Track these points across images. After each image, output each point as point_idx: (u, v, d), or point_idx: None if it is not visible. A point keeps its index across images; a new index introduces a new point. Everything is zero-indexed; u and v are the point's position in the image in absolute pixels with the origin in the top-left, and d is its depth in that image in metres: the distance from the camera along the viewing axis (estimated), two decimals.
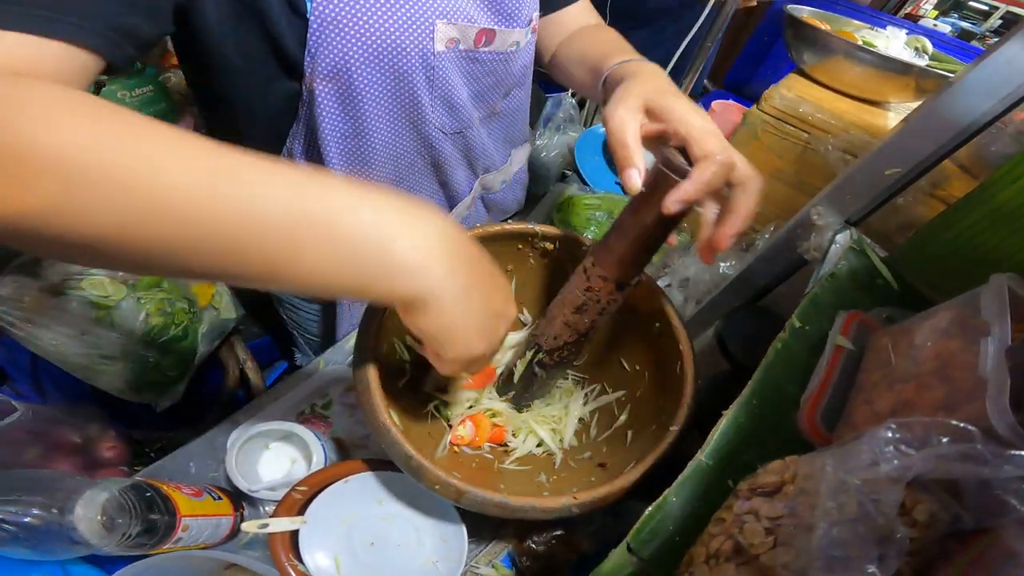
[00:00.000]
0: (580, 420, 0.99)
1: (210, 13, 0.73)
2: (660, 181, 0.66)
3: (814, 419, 0.66)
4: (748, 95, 1.40)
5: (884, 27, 1.51)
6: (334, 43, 0.78)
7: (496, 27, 0.92)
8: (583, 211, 1.48)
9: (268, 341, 1.94)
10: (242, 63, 0.81)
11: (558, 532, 0.88)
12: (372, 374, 0.74)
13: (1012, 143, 0.86)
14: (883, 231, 0.88)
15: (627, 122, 0.72)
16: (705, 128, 0.69)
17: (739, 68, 2.99)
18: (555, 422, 0.99)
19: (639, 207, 0.70)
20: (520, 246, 0.96)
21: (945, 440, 0.40)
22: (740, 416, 0.67)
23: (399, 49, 0.82)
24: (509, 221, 0.93)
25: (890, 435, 0.41)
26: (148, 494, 0.73)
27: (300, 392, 1.09)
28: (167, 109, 1.82)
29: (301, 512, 0.82)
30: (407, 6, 0.80)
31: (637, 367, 0.95)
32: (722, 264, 1.22)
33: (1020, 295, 0.56)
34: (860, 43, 1.27)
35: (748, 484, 0.55)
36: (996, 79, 0.66)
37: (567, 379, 1.04)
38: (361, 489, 0.87)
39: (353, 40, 0.78)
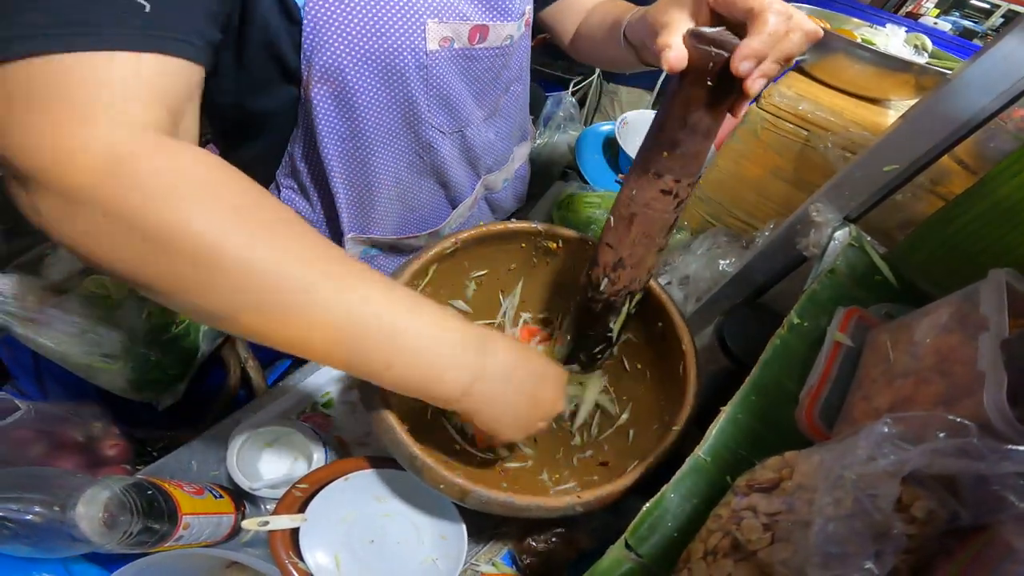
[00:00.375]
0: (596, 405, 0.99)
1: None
2: (705, 60, 0.59)
3: (812, 415, 0.66)
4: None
5: (884, 25, 1.50)
6: (327, 45, 0.78)
7: (489, 22, 0.90)
8: (583, 209, 1.48)
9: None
10: (241, 69, 0.82)
11: (558, 530, 0.88)
12: None
13: (1012, 140, 0.86)
14: (883, 228, 0.88)
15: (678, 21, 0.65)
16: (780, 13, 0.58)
17: None
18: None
19: (687, 91, 0.62)
20: (523, 245, 0.96)
21: (942, 435, 0.40)
22: (738, 412, 0.67)
23: (391, 50, 0.82)
24: (512, 220, 0.93)
25: (886, 430, 0.41)
26: (149, 492, 0.73)
27: (301, 390, 1.09)
28: None
29: (301, 510, 0.82)
30: (398, 6, 0.79)
31: (639, 366, 0.95)
32: (722, 262, 1.22)
33: (1018, 290, 0.57)
34: (859, 41, 1.26)
35: (746, 480, 0.55)
36: (994, 75, 0.66)
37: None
38: (361, 487, 0.87)
39: (345, 42, 0.78)
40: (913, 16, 2.81)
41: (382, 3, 0.78)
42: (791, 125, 1.21)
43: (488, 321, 1.06)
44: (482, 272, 1.00)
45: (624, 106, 2.32)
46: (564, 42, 1.20)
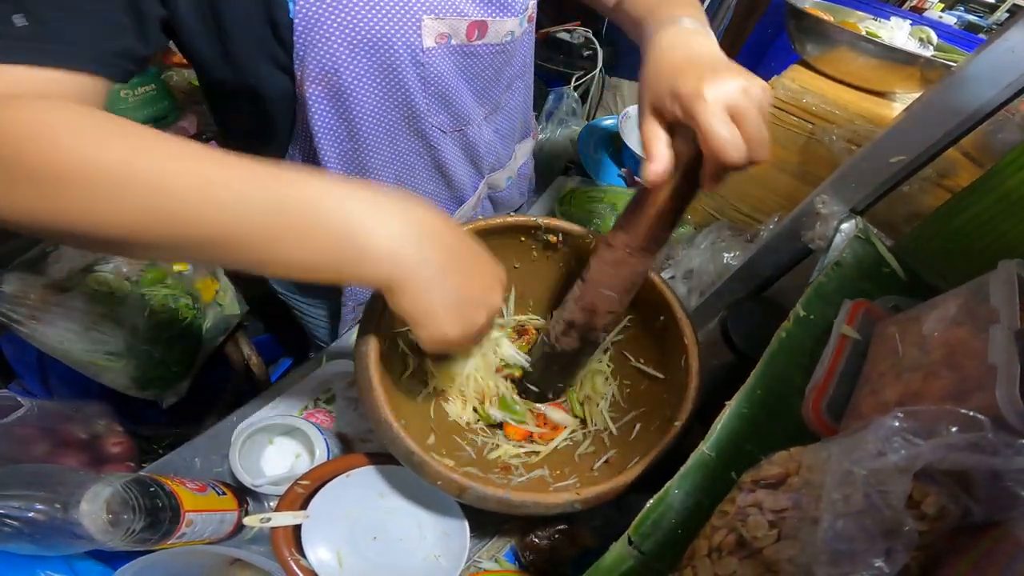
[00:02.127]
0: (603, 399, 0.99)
1: (192, 24, 0.74)
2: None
3: (819, 410, 0.65)
4: None
5: (888, 18, 1.49)
6: (320, 44, 0.77)
7: (488, 18, 0.89)
8: (586, 204, 1.48)
9: (273, 337, 1.95)
10: (233, 72, 0.83)
11: (561, 526, 0.88)
12: (373, 369, 0.74)
13: (1019, 132, 0.86)
14: (889, 221, 0.87)
15: (652, 134, 0.69)
16: (727, 140, 0.62)
17: (742, 61, 2.97)
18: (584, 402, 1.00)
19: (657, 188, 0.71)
20: (523, 238, 0.96)
21: (954, 429, 0.39)
22: (743, 407, 0.66)
23: (386, 47, 0.81)
24: (511, 214, 0.92)
25: (897, 424, 0.40)
26: (152, 489, 0.73)
27: (303, 387, 1.09)
28: (169, 107, 1.82)
29: (304, 506, 0.82)
30: (392, 2, 0.78)
31: (641, 360, 0.95)
32: (726, 255, 1.21)
33: None
34: (864, 33, 1.26)
35: (751, 476, 0.54)
36: (1000, 67, 0.66)
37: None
38: (363, 483, 0.86)
39: (339, 40, 0.78)
40: (917, 10, 2.80)
41: (376, 2, 0.77)
42: (795, 118, 1.21)
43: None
44: None
45: (626, 100, 2.31)
46: (607, 4, 1.07)
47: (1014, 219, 0.69)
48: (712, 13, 1.91)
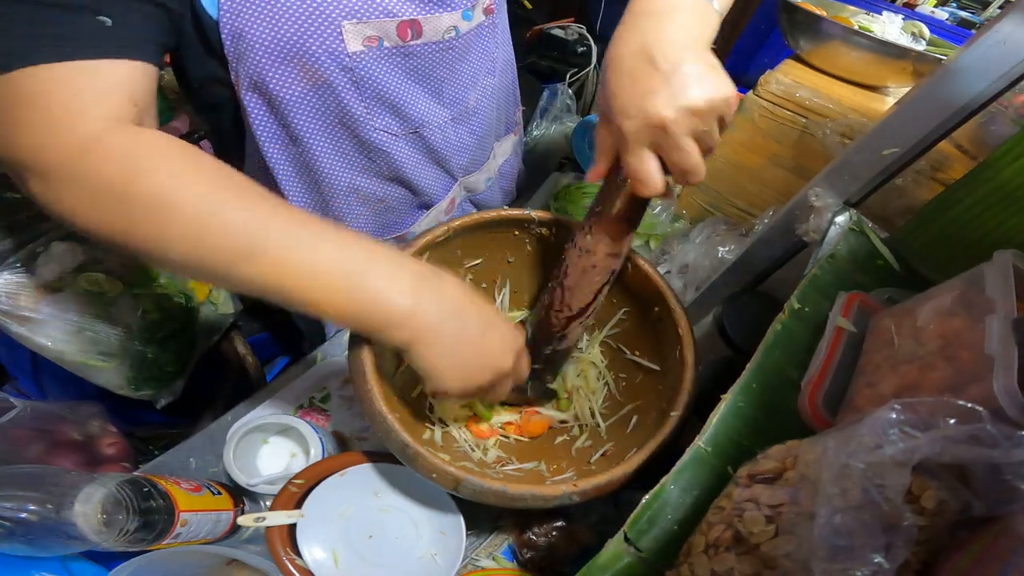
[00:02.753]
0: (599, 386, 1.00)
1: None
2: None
3: (815, 403, 0.65)
4: (746, 83, 1.40)
5: (880, 13, 1.50)
6: (248, 56, 0.78)
7: (420, 16, 0.84)
8: (580, 199, 1.48)
9: (268, 337, 1.94)
10: (196, 82, 0.88)
11: (559, 524, 0.87)
12: (368, 363, 0.74)
13: (1012, 124, 0.86)
14: (884, 214, 0.87)
15: (599, 141, 0.72)
16: (641, 178, 0.66)
17: (736, 57, 2.97)
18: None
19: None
20: (517, 232, 0.96)
21: (952, 421, 0.39)
22: (739, 401, 0.66)
23: (308, 55, 0.80)
24: (506, 207, 0.92)
25: (894, 416, 0.40)
26: (146, 489, 0.73)
27: (298, 386, 1.08)
28: (162, 107, 1.82)
29: (298, 506, 0.82)
30: (308, 10, 0.76)
31: (636, 353, 0.94)
32: (721, 249, 1.21)
33: None
34: (856, 28, 1.26)
35: (748, 470, 0.54)
36: (991, 59, 0.66)
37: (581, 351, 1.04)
38: (358, 482, 0.86)
39: (261, 51, 0.78)
40: (909, 6, 2.79)
41: (291, 10, 0.76)
42: (789, 112, 1.21)
43: None
44: (477, 261, 0.99)
45: None
46: None
47: (1008, 211, 0.69)
48: None
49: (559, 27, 2.27)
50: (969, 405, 0.39)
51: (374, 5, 0.79)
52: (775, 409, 0.67)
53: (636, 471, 0.72)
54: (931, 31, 1.45)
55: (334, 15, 0.77)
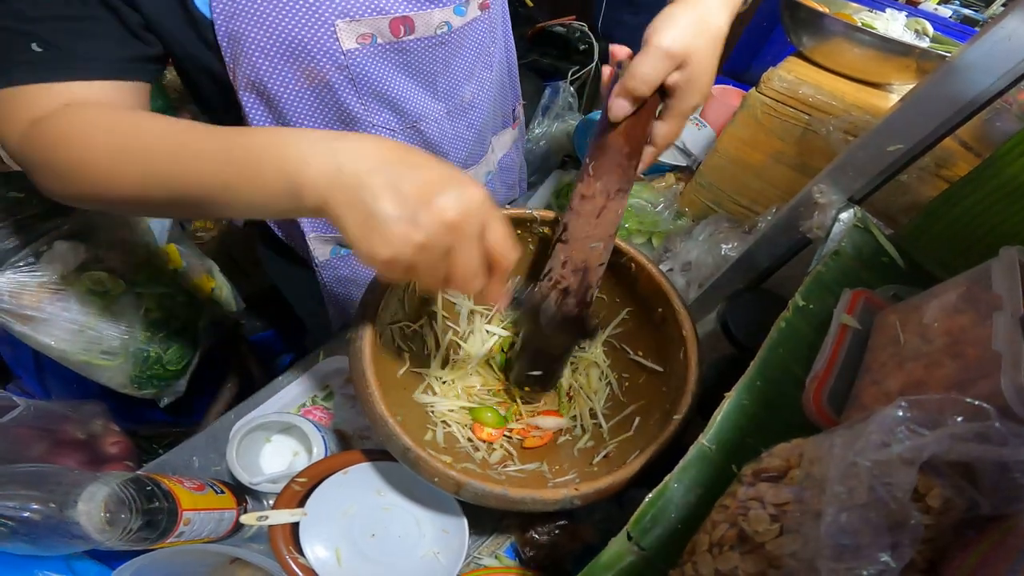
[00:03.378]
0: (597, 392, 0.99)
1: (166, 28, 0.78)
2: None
3: (820, 401, 0.64)
4: (748, 81, 1.40)
5: (883, 9, 1.50)
6: (245, 57, 0.79)
7: (412, 12, 0.85)
8: None
9: (271, 335, 1.94)
10: (196, 80, 0.90)
11: (562, 522, 0.87)
12: (368, 364, 0.73)
13: (1017, 121, 0.85)
14: (888, 212, 0.87)
15: (658, 65, 0.68)
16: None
17: (738, 54, 2.97)
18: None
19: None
20: (519, 231, 0.95)
21: (960, 419, 0.39)
22: (743, 398, 0.66)
23: (304, 54, 0.81)
24: (507, 206, 0.92)
25: (901, 414, 0.40)
26: (149, 488, 0.73)
27: (301, 384, 1.08)
28: (163, 106, 1.82)
29: (301, 504, 0.82)
30: (303, 10, 0.77)
31: (640, 353, 0.94)
32: (724, 246, 1.21)
33: None
34: (859, 25, 1.26)
35: (752, 469, 0.53)
36: (996, 55, 0.65)
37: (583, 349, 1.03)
38: (360, 480, 0.86)
39: (258, 51, 0.79)
40: (913, 3, 2.78)
41: (285, 11, 0.76)
42: (792, 109, 1.21)
43: (487, 311, 1.05)
44: None
45: None
46: None
47: (1014, 207, 0.69)
48: None
49: (560, 25, 2.27)
50: (977, 403, 0.39)
51: (366, 3, 0.80)
52: (779, 407, 0.67)
53: (637, 474, 0.71)
54: (934, 28, 1.44)
55: (327, 14, 0.78)
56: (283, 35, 0.78)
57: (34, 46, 0.68)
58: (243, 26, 0.76)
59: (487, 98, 1.11)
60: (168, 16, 0.76)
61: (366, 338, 0.75)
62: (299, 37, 0.79)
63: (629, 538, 0.58)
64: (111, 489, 0.67)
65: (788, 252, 0.94)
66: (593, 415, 0.96)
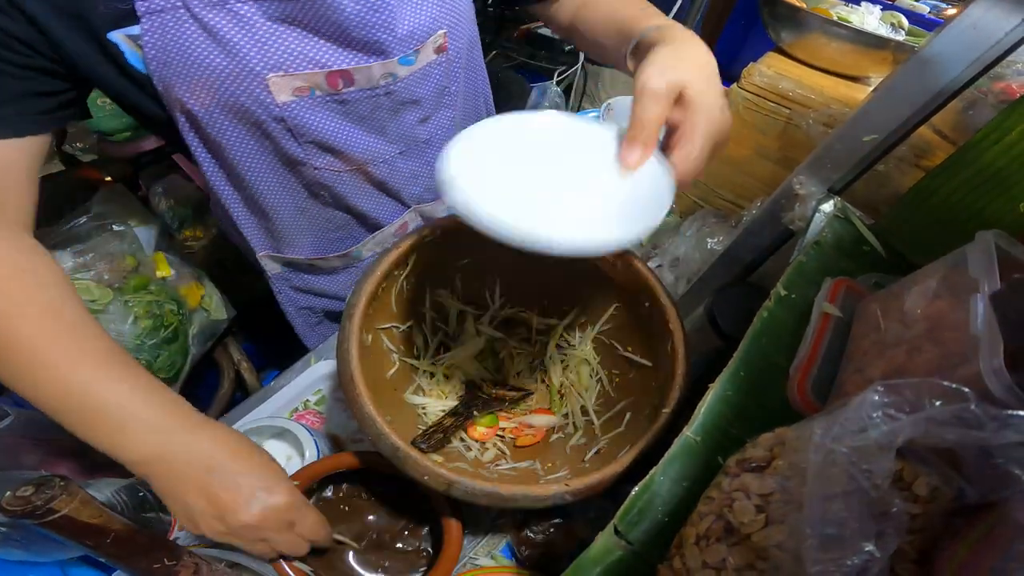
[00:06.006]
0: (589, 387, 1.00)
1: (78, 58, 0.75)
2: None
3: (804, 390, 0.65)
4: (731, 77, 1.41)
5: (859, 3, 1.51)
6: (180, 105, 0.80)
7: (351, 66, 0.83)
8: None
9: (262, 342, 1.94)
10: (140, 116, 0.89)
11: (556, 520, 0.88)
12: (356, 365, 0.73)
13: (993, 112, 0.86)
14: (869, 203, 0.87)
15: (654, 107, 0.68)
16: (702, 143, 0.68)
17: (720, 53, 2.97)
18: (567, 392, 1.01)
19: None
20: None
21: (937, 403, 0.39)
22: (727, 389, 0.66)
23: (237, 107, 0.81)
24: None
25: (878, 399, 0.40)
26: (141, 494, 0.73)
27: (292, 389, 1.08)
28: (130, 126, 1.81)
29: None
30: (231, 67, 0.77)
31: (629, 349, 0.94)
32: (710, 240, 1.22)
33: (1008, 252, 0.56)
34: (835, 19, 1.27)
35: (736, 459, 0.53)
36: (964, 43, 0.66)
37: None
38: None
39: (194, 102, 0.79)
40: None
41: (214, 67, 0.76)
42: (772, 104, 1.21)
43: (477, 311, 1.05)
44: (466, 260, 0.98)
45: (607, 87, 2.30)
46: (562, 24, 1.07)
47: (991, 193, 0.69)
48: (688, 3, 1.94)
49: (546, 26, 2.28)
50: (954, 386, 0.39)
51: (300, 57, 0.79)
52: (764, 397, 0.67)
53: (628, 468, 0.72)
54: (910, 22, 1.46)
55: (258, 68, 0.77)
56: (214, 89, 0.78)
57: None
58: (175, 81, 0.77)
59: (447, 135, 1.01)
60: (99, 68, 0.76)
61: (353, 340, 0.75)
62: (229, 90, 0.79)
63: (616, 532, 0.58)
64: (104, 496, 0.67)
65: (772, 245, 0.94)
66: (585, 412, 0.96)
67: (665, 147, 0.71)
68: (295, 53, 0.79)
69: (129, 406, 0.69)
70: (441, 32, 0.90)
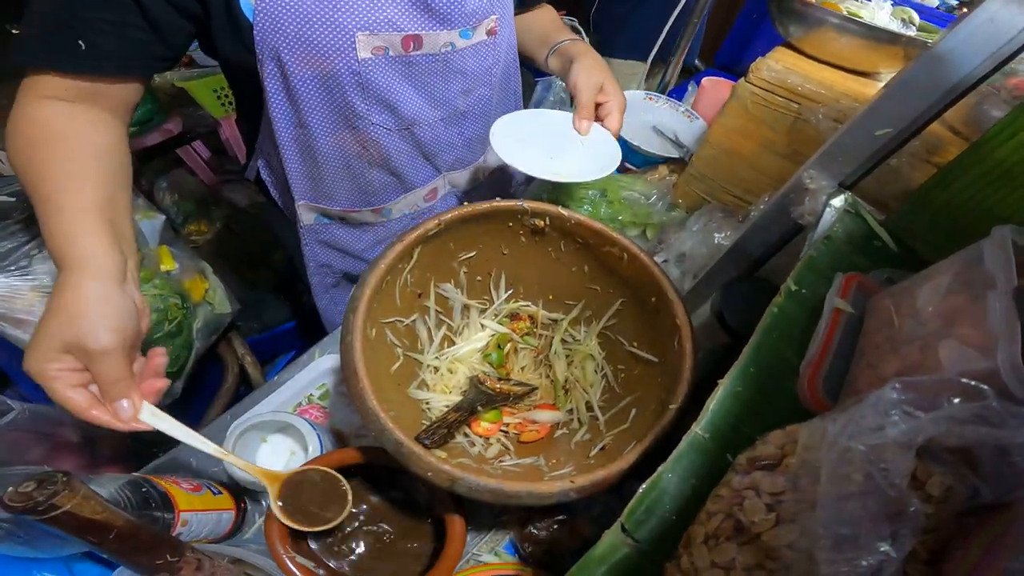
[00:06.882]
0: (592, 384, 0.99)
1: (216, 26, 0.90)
2: None
3: (815, 387, 0.64)
4: (739, 73, 1.40)
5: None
6: (272, 50, 0.91)
7: (423, 31, 0.98)
8: (574, 191, 1.47)
9: (268, 336, 1.94)
10: (226, 62, 1.03)
11: (560, 517, 0.87)
12: (359, 360, 0.73)
13: (1006, 107, 0.85)
14: (879, 198, 0.86)
15: (591, 95, 1.16)
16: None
17: (729, 47, 2.97)
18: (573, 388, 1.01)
19: None
20: (511, 223, 0.95)
21: (956, 400, 0.38)
22: (737, 385, 0.65)
23: (324, 58, 0.93)
24: (499, 199, 0.92)
25: (896, 396, 0.39)
26: (144, 490, 0.73)
27: (297, 383, 1.08)
28: (153, 110, 1.82)
29: None
30: (328, 22, 0.89)
31: (635, 344, 0.94)
32: (717, 235, 1.21)
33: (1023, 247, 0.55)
34: (845, 13, 1.26)
35: (747, 457, 0.53)
36: (978, 38, 0.64)
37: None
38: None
39: (287, 49, 0.91)
40: None
41: (314, 20, 0.88)
42: (781, 99, 1.20)
43: (481, 305, 1.05)
44: (471, 253, 0.99)
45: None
46: None
47: (1004, 189, 0.68)
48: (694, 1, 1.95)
49: None
50: (973, 383, 0.38)
51: (385, 20, 0.93)
52: (774, 393, 0.66)
53: (634, 465, 0.71)
54: (921, 17, 1.45)
55: (350, 26, 0.91)
56: (309, 40, 0.90)
57: (80, 43, 0.80)
58: (276, 25, 0.88)
59: (483, 112, 1.24)
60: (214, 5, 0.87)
61: (357, 333, 0.75)
62: (322, 42, 0.91)
63: (623, 530, 0.57)
64: (107, 492, 0.67)
65: (780, 239, 0.93)
66: (589, 408, 0.96)
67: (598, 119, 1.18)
68: (381, 16, 0.92)
69: (70, 251, 0.76)
70: (493, 17, 1.07)
